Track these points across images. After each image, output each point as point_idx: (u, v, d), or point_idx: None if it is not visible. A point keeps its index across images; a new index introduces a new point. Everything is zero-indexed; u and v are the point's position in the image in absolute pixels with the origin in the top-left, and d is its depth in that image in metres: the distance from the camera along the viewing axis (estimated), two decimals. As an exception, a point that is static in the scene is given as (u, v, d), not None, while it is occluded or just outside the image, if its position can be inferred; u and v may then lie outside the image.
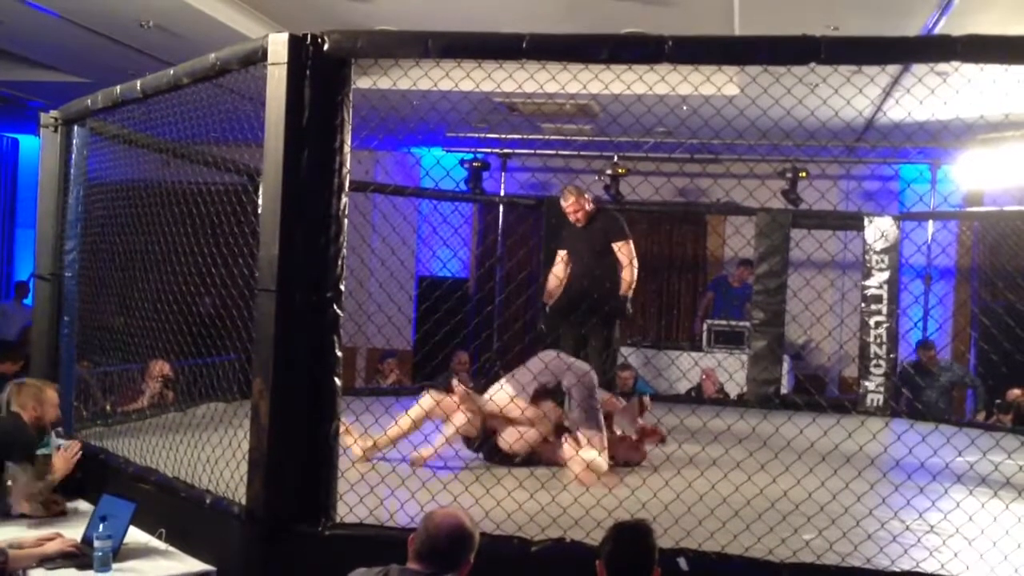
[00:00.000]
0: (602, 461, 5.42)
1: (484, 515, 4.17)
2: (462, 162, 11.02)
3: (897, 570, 3.77)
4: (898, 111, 8.37)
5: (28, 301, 11.50)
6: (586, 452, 5.41)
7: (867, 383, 8.94)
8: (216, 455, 4.54)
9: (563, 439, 5.58)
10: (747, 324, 9.64)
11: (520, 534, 3.97)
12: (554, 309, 7.17)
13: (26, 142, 12.63)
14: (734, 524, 4.17)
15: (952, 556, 3.94)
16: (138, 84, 4.96)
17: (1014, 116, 8.12)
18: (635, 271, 6.93)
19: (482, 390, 5.91)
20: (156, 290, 5.36)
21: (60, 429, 5.47)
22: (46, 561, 4.09)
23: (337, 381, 4.06)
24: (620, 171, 10.48)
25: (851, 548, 3.99)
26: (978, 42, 3.72)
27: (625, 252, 6.90)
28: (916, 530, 4.49)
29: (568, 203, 6.96)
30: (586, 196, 7.06)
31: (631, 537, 3.21)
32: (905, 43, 4.12)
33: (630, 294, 6.94)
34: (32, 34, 8.22)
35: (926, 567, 3.83)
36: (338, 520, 4.06)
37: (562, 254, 7.24)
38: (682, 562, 3.74)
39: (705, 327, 10.49)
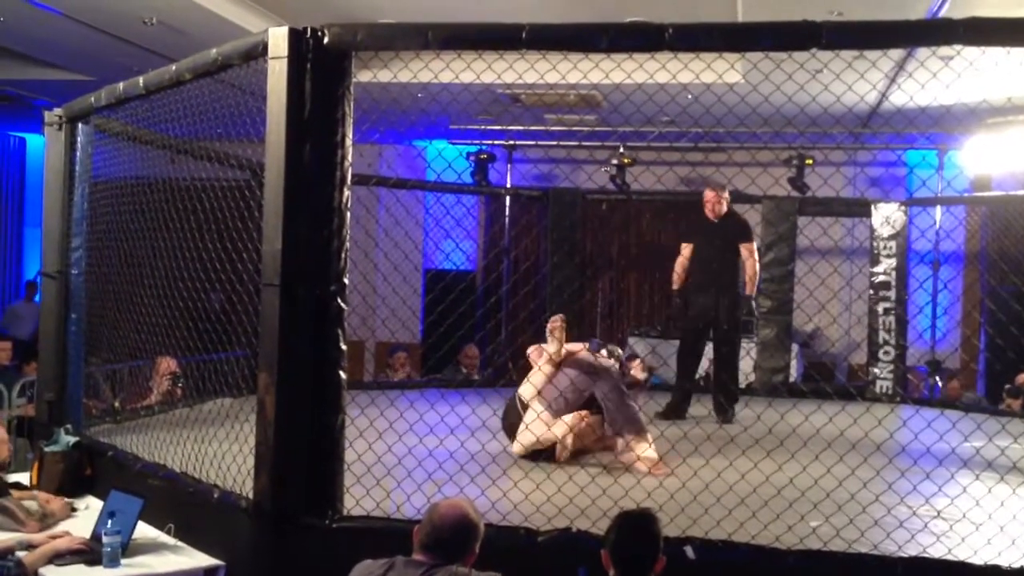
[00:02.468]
0: (654, 453, 5.49)
1: (490, 506, 4.17)
2: (467, 155, 11.02)
3: (904, 555, 3.77)
4: (902, 96, 8.34)
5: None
6: (643, 450, 5.48)
7: (875, 370, 8.92)
8: (223, 450, 4.56)
9: (618, 444, 5.64)
10: (754, 312, 9.62)
11: (526, 524, 3.98)
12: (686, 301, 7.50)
13: (33, 141, 12.67)
14: (740, 512, 4.17)
15: (959, 541, 3.93)
16: (141, 80, 4.97)
17: (1016, 99, 8.10)
18: (758, 269, 7.39)
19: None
20: (162, 287, 5.37)
21: (68, 426, 5.51)
22: (56, 558, 4.12)
23: (342, 374, 4.07)
24: (625, 161, 10.47)
25: (858, 534, 3.99)
26: (980, 25, 3.70)
27: (750, 252, 7.29)
28: (923, 516, 4.49)
29: (710, 195, 7.32)
30: (727, 194, 7.36)
31: (636, 526, 3.21)
32: (907, 27, 4.09)
33: (753, 292, 7.40)
34: (36, 32, 8.24)
35: (933, 552, 3.84)
36: (344, 513, 4.07)
37: (686, 248, 7.52)
38: (689, 551, 3.74)
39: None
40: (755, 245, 7.32)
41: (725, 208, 7.33)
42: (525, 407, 5.68)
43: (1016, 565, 3.66)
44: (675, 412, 7.11)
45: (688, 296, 7.47)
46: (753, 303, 7.27)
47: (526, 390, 5.73)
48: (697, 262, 7.36)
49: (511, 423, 5.74)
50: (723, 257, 7.20)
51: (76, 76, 9.55)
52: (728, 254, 7.21)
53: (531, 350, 6.02)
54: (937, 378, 9.77)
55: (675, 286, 7.57)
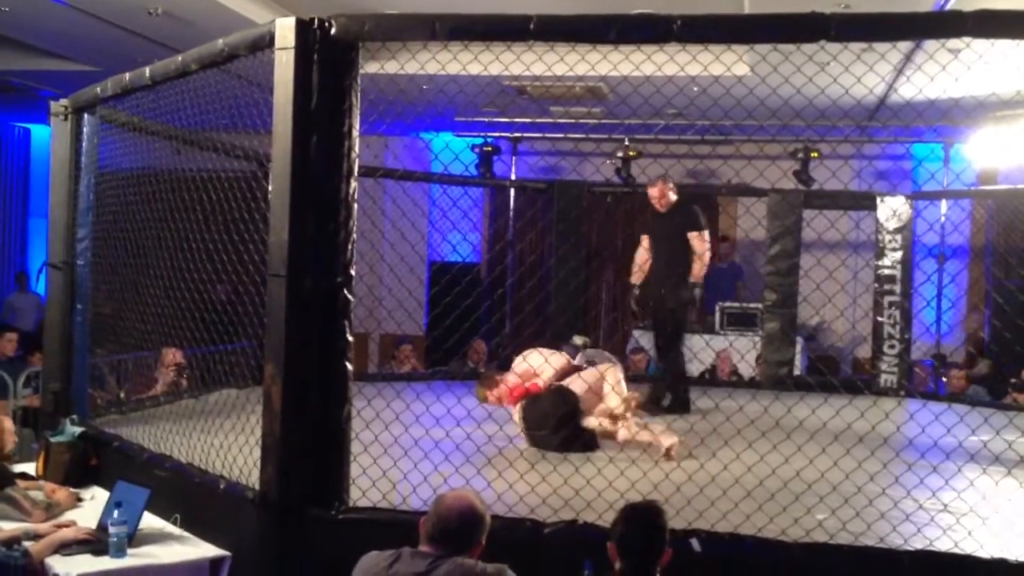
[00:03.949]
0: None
1: (496, 498, 4.18)
2: (473, 147, 11.00)
3: (910, 549, 3.77)
4: (910, 89, 8.31)
5: (39, 289, 11.58)
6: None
7: (881, 363, 8.91)
8: (229, 441, 4.56)
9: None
10: (759, 305, 9.62)
11: (532, 516, 3.98)
12: (642, 293, 7.51)
13: (38, 131, 12.67)
14: (747, 505, 4.17)
15: (966, 535, 3.93)
16: (147, 71, 4.97)
17: (1026, 92, 8.07)
18: (706, 261, 7.23)
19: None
20: (168, 278, 5.38)
21: (74, 416, 5.52)
22: (62, 548, 4.13)
23: (348, 366, 4.07)
24: (631, 153, 10.45)
25: (864, 527, 3.99)
26: (989, 17, 3.69)
27: (699, 241, 7.18)
28: (929, 509, 4.48)
29: (653, 191, 7.32)
30: (671, 185, 7.34)
31: (642, 518, 3.21)
32: (916, 19, 4.08)
33: (699, 281, 7.22)
34: (41, 23, 8.23)
35: (939, 546, 3.84)
36: (351, 504, 4.07)
37: (645, 240, 7.55)
38: (695, 543, 3.74)
39: (717, 309, 10.47)
40: (706, 233, 7.23)
41: (672, 199, 7.32)
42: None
43: (1022, 559, 3.65)
44: (682, 406, 7.13)
45: (647, 288, 7.49)
46: (695, 291, 7.16)
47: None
48: (652, 254, 7.42)
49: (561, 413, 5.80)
50: (673, 247, 7.20)
51: (81, 67, 9.54)
52: (678, 244, 7.19)
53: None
54: (942, 372, 9.75)
55: (633, 279, 7.57)
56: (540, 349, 6.27)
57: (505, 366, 6.88)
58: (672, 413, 6.86)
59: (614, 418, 5.69)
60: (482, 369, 9.39)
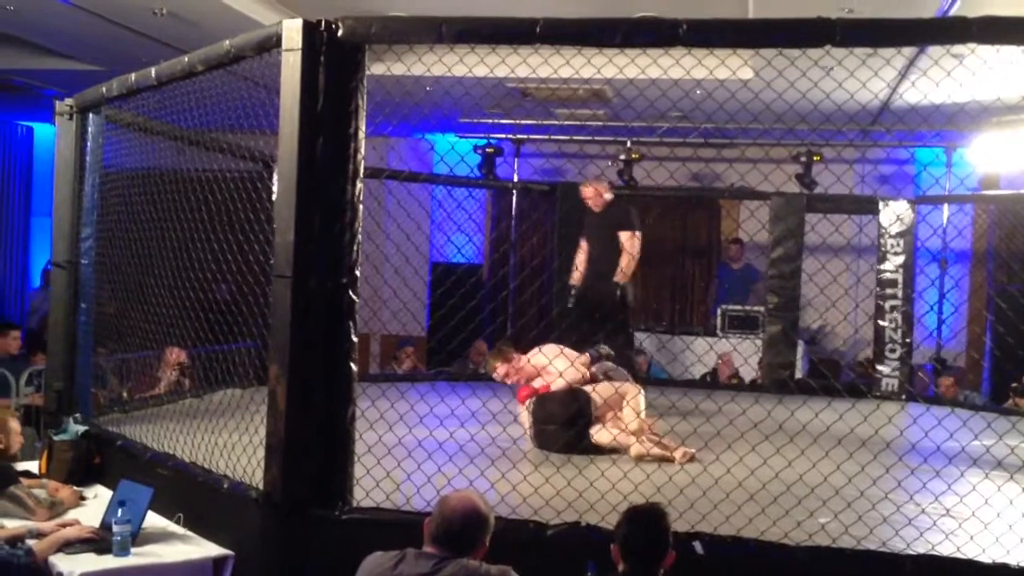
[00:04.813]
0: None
1: (500, 499, 4.19)
2: (476, 148, 11.01)
3: (912, 553, 3.77)
4: (914, 94, 8.31)
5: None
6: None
7: (882, 367, 8.92)
8: (233, 440, 4.57)
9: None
10: (761, 309, 9.63)
11: (536, 518, 3.99)
12: (576, 293, 7.44)
13: (41, 130, 12.67)
14: (749, 508, 4.18)
15: (968, 539, 3.93)
16: (153, 72, 4.98)
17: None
18: (633, 261, 7.10)
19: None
20: (172, 277, 5.39)
21: (77, 415, 5.53)
22: (66, 546, 4.13)
23: (353, 366, 4.08)
24: (634, 156, 10.46)
25: (867, 531, 3.99)
26: (994, 23, 3.70)
27: (627, 241, 7.08)
28: (932, 513, 4.49)
29: (587, 190, 7.26)
30: (605, 185, 7.30)
31: (645, 520, 3.22)
32: (920, 25, 4.08)
33: (623, 281, 7.10)
34: (46, 22, 8.24)
35: (942, 550, 3.83)
36: (354, 504, 4.08)
37: (584, 242, 7.49)
38: (698, 546, 3.75)
39: (719, 312, 10.48)
40: (637, 233, 7.14)
41: (607, 198, 7.28)
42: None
43: (1025, 564, 3.66)
44: None
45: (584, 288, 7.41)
46: (628, 291, 7.08)
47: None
48: (588, 254, 7.37)
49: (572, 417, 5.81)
50: (608, 247, 7.14)
51: (85, 66, 9.55)
52: (611, 244, 7.13)
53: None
54: (934, 377, 9.77)
55: (572, 280, 7.50)
56: (559, 345, 6.29)
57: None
58: None
59: (628, 433, 5.70)
60: (483, 370, 9.41)
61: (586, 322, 7.19)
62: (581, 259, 7.48)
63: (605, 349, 6.49)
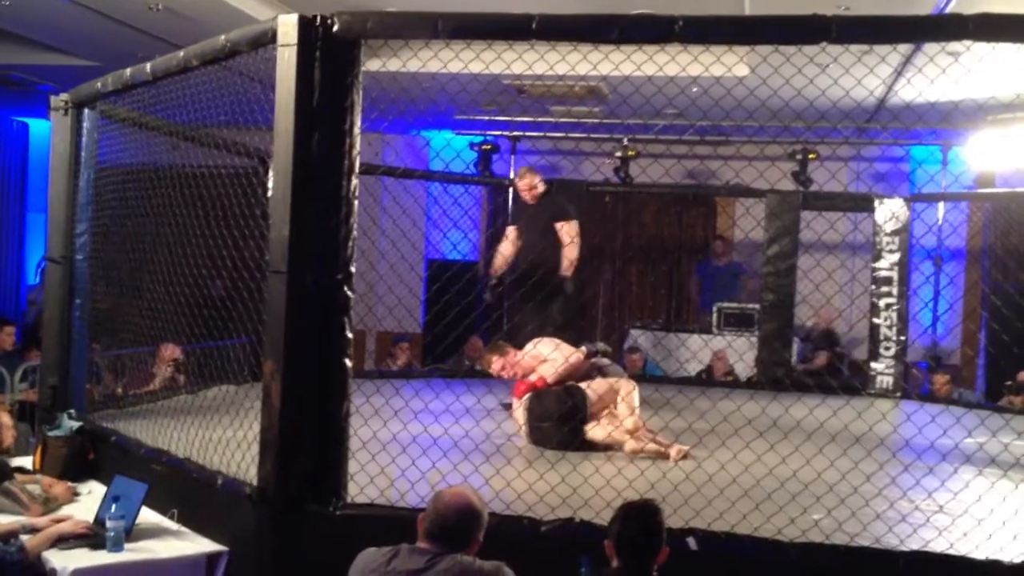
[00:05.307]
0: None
1: (494, 495, 4.18)
2: (472, 145, 11.00)
3: (906, 550, 3.78)
4: (910, 91, 8.32)
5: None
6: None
7: (877, 365, 8.93)
8: (227, 436, 4.57)
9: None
10: (757, 306, 9.64)
11: (530, 514, 3.99)
12: (502, 283, 7.29)
13: (36, 126, 12.64)
14: (743, 504, 4.18)
15: (961, 536, 3.94)
16: (148, 67, 4.97)
17: (1026, 95, 8.09)
18: (576, 249, 6.97)
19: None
20: (167, 273, 5.38)
21: (72, 411, 5.52)
22: (60, 542, 4.13)
23: (347, 362, 4.08)
24: (630, 153, 10.46)
25: (860, 528, 4.00)
26: (990, 21, 3.69)
27: (567, 232, 6.97)
28: (925, 510, 4.49)
29: (521, 182, 7.11)
30: (538, 176, 7.15)
31: (639, 516, 3.23)
32: (917, 22, 4.09)
33: (571, 273, 7.01)
34: (41, 17, 8.23)
35: (935, 547, 3.84)
36: (349, 500, 4.08)
37: (511, 231, 7.32)
38: (691, 542, 3.75)
39: (715, 309, 10.49)
40: (575, 223, 7.00)
41: (541, 189, 7.12)
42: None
43: (1018, 560, 3.67)
44: None
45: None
46: (567, 285, 6.97)
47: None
48: (523, 246, 7.19)
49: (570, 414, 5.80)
50: (543, 239, 6.99)
51: (81, 61, 9.53)
52: (547, 236, 6.99)
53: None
54: (927, 374, 9.78)
55: (492, 271, 7.32)
56: (554, 340, 6.29)
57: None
58: None
59: (623, 430, 5.70)
60: (479, 367, 9.42)
61: (535, 318, 7.04)
62: (508, 250, 7.29)
63: (602, 346, 6.49)
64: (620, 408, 5.79)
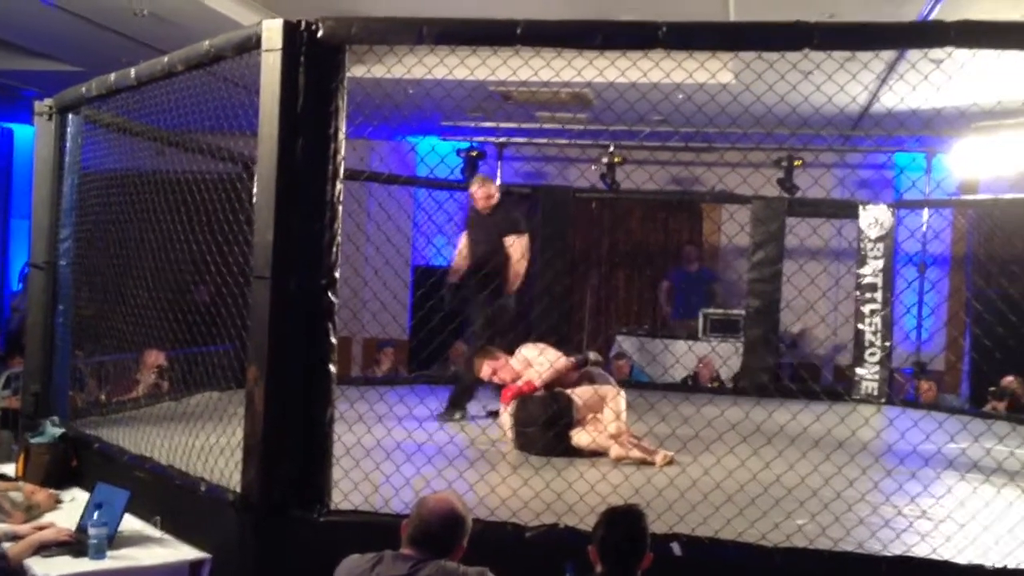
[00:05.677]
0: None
1: (478, 501, 4.18)
2: (459, 151, 11.01)
3: (889, 555, 3.79)
4: (893, 98, 8.37)
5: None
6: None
7: (861, 370, 8.96)
8: (211, 443, 4.55)
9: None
10: (742, 312, 9.67)
11: (514, 520, 3.98)
12: (458, 288, 7.12)
13: (20, 131, 12.59)
14: (727, 509, 4.19)
15: (944, 540, 3.96)
16: (132, 72, 4.95)
17: (1006, 103, 8.14)
18: (521, 264, 6.90)
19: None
20: (151, 279, 5.36)
21: (55, 418, 5.49)
22: (42, 549, 4.10)
23: (332, 368, 4.07)
24: (616, 159, 10.48)
25: (844, 533, 4.01)
26: (971, 28, 3.72)
27: (517, 247, 6.88)
28: (908, 515, 4.51)
29: (480, 191, 6.98)
30: (495, 185, 7.09)
31: (623, 521, 3.23)
32: (898, 29, 4.12)
33: (513, 290, 6.94)
34: (26, 22, 8.20)
35: (918, 551, 3.86)
36: (333, 507, 4.07)
37: (463, 240, 7.21)
38: (676, 547, 3.75)
39: (701, 315, 10.52)
40: (525, 239, 6.93)
41: (496, 200, 7.02)
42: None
43: (999, 565, 3.68)
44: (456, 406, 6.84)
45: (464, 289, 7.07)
46: (509, 301, 6.89)
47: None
48: (472, 256, 7.03)
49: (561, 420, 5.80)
50: (492, 250, 6.86)
51: (66, 67, 9.50)
52: (498, 247, 6.87)
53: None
54: (914, 381, 9.82)
55: (452, 278, 7.09)
56: (540, 344, 6.30)
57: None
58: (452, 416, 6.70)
59: (608, 436, 5.71)
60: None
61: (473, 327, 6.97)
62: (459, 262, 7.14)
63: (593, 356, 6.47)
64: (605, 413, 5.80)
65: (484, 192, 6.98)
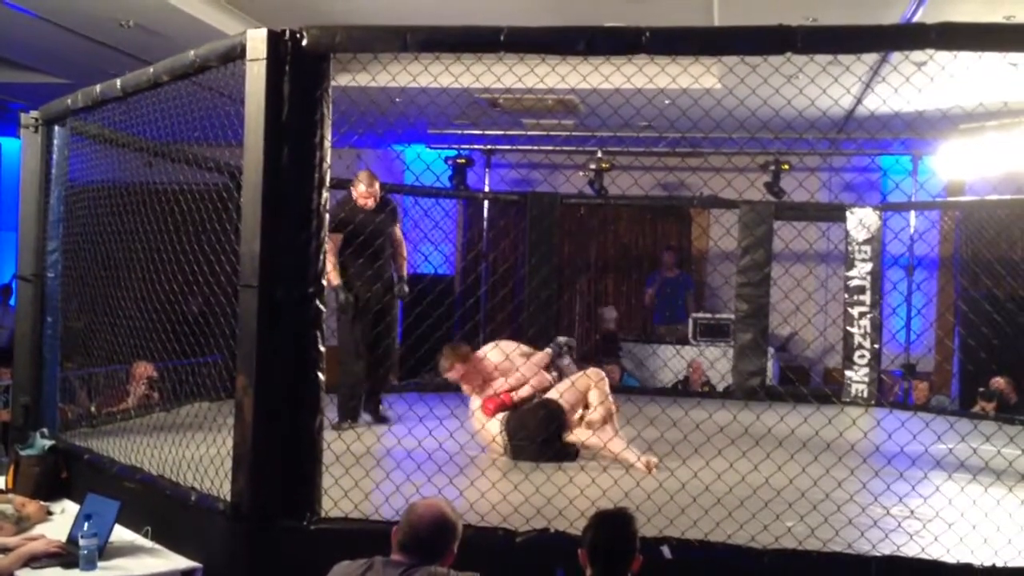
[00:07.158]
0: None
1: (469, 507, 4.19)
2: (446, 159, 11.03)
3: (878, 554, 3.81)
4: (876, 101, 8.41)
5: (13, 303, 11.46)
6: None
7: (851, 373, 9.00)
8: (201, 453, 4.55)
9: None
10: (731, 316, 9.70)
11: (505, 525, 3.99)
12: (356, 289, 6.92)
13: (6, 144, 12.56)
14: (716, 512, 4.20)
15: (932, 540, 3.97)
16: (118, 82, 4.95)
17: (989, 105, 8.19)
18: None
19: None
20: (139, 290, 5.36)
21: (44, 430, 5.48)
22: (32, 561, 4.10)
23: (320, 376, 4.08)
24: (603, 165, 10.51)
25: (832, 534, 4.03)
26: (952, 30, 3.76)
27: (402, 244, 7.14)
28: (896, 515, 4.53)
29: (370, 188, 6.79)
30: (377, 180, 6.97)
31: (612, 525, 3.24)
32: (880, 31, 4.14)
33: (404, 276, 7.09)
34: (10, 34, 8.19)
35: (906, 551, 3.88)
36: (323, 514, 4.07)
37: (336, 239, 6.71)
38: (666, 550, 3.77)
39: (691, 320, 10.55)
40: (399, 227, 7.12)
41: (378, 195, 6.87)
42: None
43: (988, 563, 3.71)
44: (350, 413, 6.79)
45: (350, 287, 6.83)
46: (404, 288, 6.96)
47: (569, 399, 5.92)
48: (356, 252, 6.65)
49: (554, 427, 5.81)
50: (382, 245, 6.75)
51: (51, 79, 9.49)
52: (384, 240, 6.78)
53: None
54: (907, 383, 9.86)
55: (335, 281, 6.65)
56: (512, 341, 6.32)
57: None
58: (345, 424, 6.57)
59: (595, 425, 5.72)
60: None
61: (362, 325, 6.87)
62: (333, 261, 6.61)
63: (564, 340, 6.45)
64: (591, 397, 5.80)
65: (375, 189, 6.79)
